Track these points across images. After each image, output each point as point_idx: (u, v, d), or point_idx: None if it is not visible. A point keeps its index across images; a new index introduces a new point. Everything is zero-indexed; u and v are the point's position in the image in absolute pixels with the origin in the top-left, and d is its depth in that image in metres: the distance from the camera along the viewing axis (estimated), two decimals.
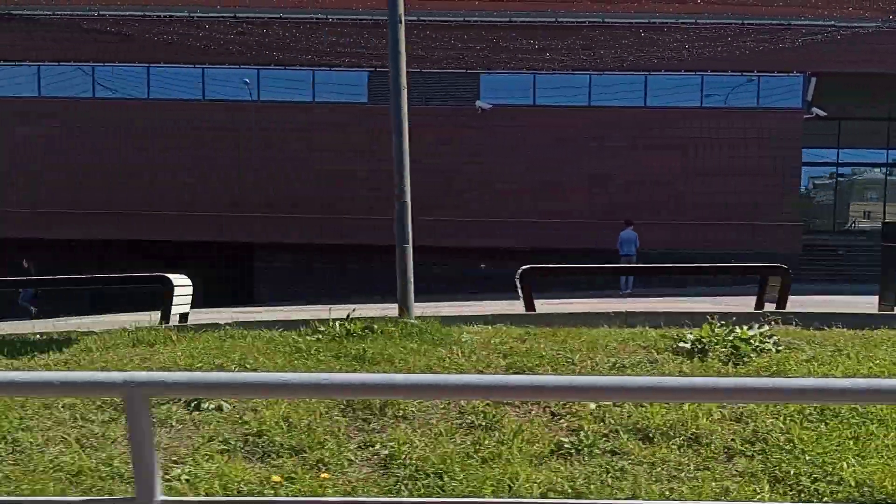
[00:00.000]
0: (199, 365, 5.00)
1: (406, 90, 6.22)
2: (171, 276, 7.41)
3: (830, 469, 3.85)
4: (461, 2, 22.62)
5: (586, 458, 4.07)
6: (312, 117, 22.66)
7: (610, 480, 3.90)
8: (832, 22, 21.53)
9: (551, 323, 6.22)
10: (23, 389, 2.34)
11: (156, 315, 8.13)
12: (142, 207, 22.39)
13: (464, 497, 3.73)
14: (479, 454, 4.11)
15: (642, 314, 6.55)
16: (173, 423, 4.42)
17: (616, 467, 4.00)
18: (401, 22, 6.18)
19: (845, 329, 5.93)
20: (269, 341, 5.54)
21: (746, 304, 9.26)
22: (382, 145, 22.00)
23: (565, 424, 4.44)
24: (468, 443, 4.24)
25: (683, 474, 3.94)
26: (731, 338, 5.24)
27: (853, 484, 3.72)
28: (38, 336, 6.32)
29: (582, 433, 4.26)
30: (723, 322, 5.47)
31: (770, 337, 5.27)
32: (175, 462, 4.09)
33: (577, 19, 22.30)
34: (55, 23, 22.51)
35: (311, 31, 22.35)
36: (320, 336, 5.62)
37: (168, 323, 7.08)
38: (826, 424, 4.26)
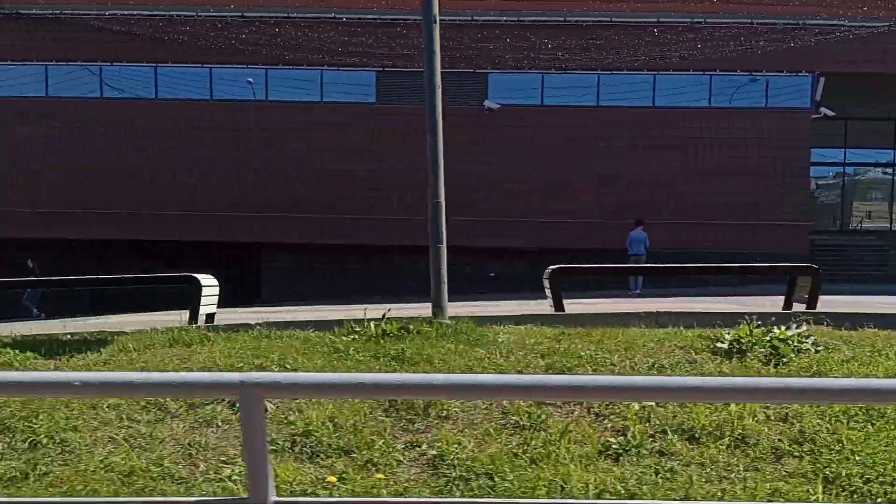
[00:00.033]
0: (240, 365, 5.01)
1: (440, 90, 6.24)
2: (198, 276, 7.41)
3: (882, 470, 3.86)
4: (469, 1, 22.62)
5: (635, 459, 4.08)
6: (312, 117, 22.69)
7: (660, 481, 3.90)
8: (842, 21, 21.55)
9: (582, 323, 6.22)
10: (139, 390, 2.36)
11: (173, 315, 8.16)
12: (142, 207, 22.43)
13: (501, 497, 3.74)
14: (528, 454, 4.11)
15: (672, 314, 6.55)
16: (219, 423, 4.43)
17: (666, 468, 4.00)
18: (435, 22, 6.19)
19: (878, 329, 5.94)
20: (306, 341, 5.54)
21: (763, 304, 9.26)
22: (383, 145, 22.45)
23: (610, 425, 4.45)
24: (515, 443, 4.25)
25: (734, 475, 3.95)
26: (768, 338, 5.24)
27: None
28: (69, 336, 6.31)
29: (629, 434, 4.26)
30: (759, 322, 5.47)
31: (807, 337, 5.28)
32: (224, 462, 4.10)
33: (585, 19, 22.31)
34: (57, 22, 22.53)
35: (320, 30, 22.35)
36: (356, 336, 5.62)
37: (197, 323, 7.08)
38: (872, 425, 4.27)
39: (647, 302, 11.49)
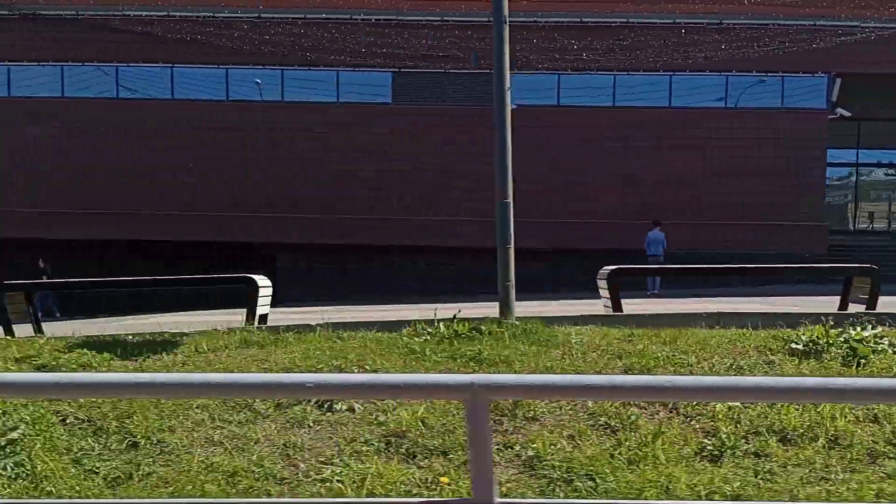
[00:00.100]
0: (321, 366, 5.02)
1: (510, 91, 6.26)
2: (254, 276, 7.42)
3: None
4: (485, 2, 22.62)
5: (733, 460, 4.09)
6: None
7: (761, 483, 3.92)
8: (858, 22, 21.59)
9: (643, 324, 6.24)
10: (361, 391, 2.36)
11: (218, 316, 8.16)
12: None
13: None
14: (623, 456, 4.13)
15: (732, 315, 6.57)
16: (310, 424, 4.44)
17: (764, 469, 4.02)
18: (506, 22, 6.22)
19: None
20: (379, 342, 5.56)
21: (795, 304, 9.29)
22: (395, 145, 22.41)
23: (698, 426, 4.46)
24: (608, 444, 4.26)
25: (833, 476, 3.96)
26: (842, 339, 5.26)
27: None
28: (130, 337, 6.32)
29: (720, 435, 4.28)
30: (833, 323, 5.49)
31: (882, 338, 5.29)
32: (322, 463, 4.11)
33: (601, 20, 22.35)
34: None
35: (336, 31, 22.38)
36: (427, 338, 5.64)
37: (253, 323, 7.09)
38: None
39: (684, 302, 11.51)
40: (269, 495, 3.83)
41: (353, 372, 5.00)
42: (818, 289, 14.61)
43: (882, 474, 3.98)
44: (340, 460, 4.09)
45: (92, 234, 22.13)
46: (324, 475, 3.98)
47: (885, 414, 4.42)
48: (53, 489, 3.74)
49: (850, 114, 22.49)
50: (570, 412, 4.62)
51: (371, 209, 22.57)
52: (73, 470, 3.96)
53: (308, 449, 4.21)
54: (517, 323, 6.01)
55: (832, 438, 4.25)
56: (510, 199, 6.25)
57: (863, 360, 5.03)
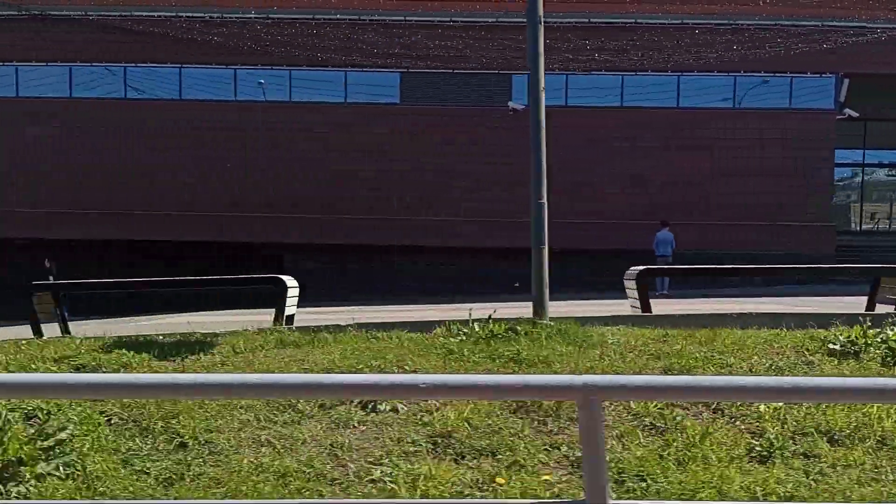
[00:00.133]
0: (360, 367, 5.02)
1: (544, 91, 6.26)
2: (283, 277, 7.42)
3: None
4: (493, 3, 22.67)
5: (781, 461, 4.09)
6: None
7: (813, 483, 3.91)
8: (865, 23, 21.62)
9: (674, 324, 6.24)
10: (466, 392, 2.35)
11: (245, 316, 8.15)
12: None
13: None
14: (672, 456, 4.12)
15: (763, 315, 6.57)
16: (355, 424, 4.43)
17: (814, 470, 4.02)
18: (540, 23, 6.22)
19: None
20: (415, 343, 5.55)
21: (813, 304, 9.27)
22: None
23: (744, 427, 4.46)
24: (656, 445, 4.26)
25: (883, 477, 3.96)
26: (879, 339, 5.26)
27: None
28: (161, 337, 6.31)
29: (768, 436, 4.27)
30: (870, 323, 5.49)
31: None
32: (372, 463, 4.10)
33: (609, 20, 22.37)
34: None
35: (344, 32, 22.39)
36: (463, 338, 5.63)
37: (282, 323, 7.08)
38: None
39: (706, 302, 11.51)
40: (322, 496, 3.82)
41: (394, 372, 5.00)
42: (821, 289, 14.66)
43: None
44: (389, 461, 4.08)
45: (92, 234, 22.15)
46: (374, 476, 3.97)
47: None
48: (107, 490, 3.73)
49: (857, 114, 22.51)
50: (614, 413, 4.62)
51: (371, 209, 22.59)
52: (122, 470, 3.96)
53: (356, 449, 4.20)
54: (551, 323, 6.01)
55: (880, 439, 4.25)
56: (545, 200, 6.24)
57: None
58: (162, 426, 4.33)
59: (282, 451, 4.13)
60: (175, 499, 3.73)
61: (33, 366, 4.94)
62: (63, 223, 22.19)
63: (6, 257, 21.71)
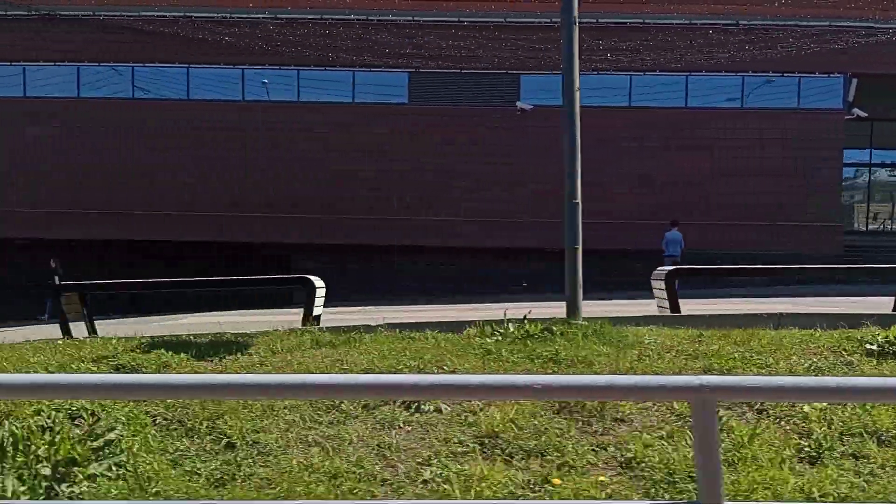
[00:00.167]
0: (400, 367, 5.01)
1: (579, 91, 6.25)
2: (311, 278, 7.42)
3: None
4: (501, 3, 22.68)
5: (831, 461, 4.08)
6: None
7: (865, 485, 3.91)
8: (875, 24, 21.63)
9: (704, 325, 6.23)
10: (577, 392, 2.33)
11: (264, 316, 8.14)
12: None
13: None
14: (721, 457, 4.11)
15: (793, 316, 6.56)
16: (400, 425, 4.42)
17: (865, 471, 4.01)
18: (575, 23, 6.21)
19: None
20: (452, 343, 5.54)
21: (823, 304, 9.24)
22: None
23: (788, 427, 4.45)
24: None
25: None
26: None
27: None
28: (192, 337, 6.30)
29: (818, 436, 4.26)
30: None
31: None
32: (421, 464, 4.09)
33: (617, 20, 22.35)
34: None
35: (353, 31, 22.38)
36: (499, 338, 5.62)
37: (311, 323, 7.08)
38: None
39: (730, 302, 11.50)
40: (374, 497, 3.81)
41: (434, 373, 4.99)
42: (823, 289, 14.64)
43: None
44: (438, 461, 4.07)
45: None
46: (424, 476, 3.96)
47: None
48: (161, 490, 3.72)
49: (866, 114, 22.53)
50: (657, 414, 4.61)
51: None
52: (172, 471, 3.94)
53: (403, 450, 4.19)
54: (585, 323, 6.00)
55: None
56: (579, 200, 6.23)
57: None
58: (207, 426, 4.32)
59: (331, 451, 4.12)
60: (228, 499, 3.72)
61: (74, 366, 4.93)
62: (63, 223, 22.19)
63: (6, 257, 21.70)
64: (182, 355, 5.24)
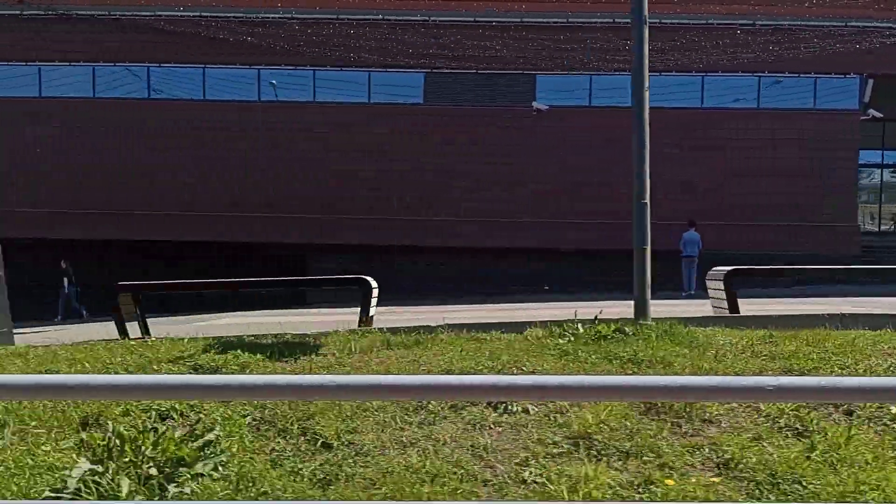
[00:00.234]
0: (480, 368, 4.99)
1: (648, 91, 6.24)
2: (367, 278, 7.41)
3: None
4: (518, 3, 22.67)
5: None
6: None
7: None
8: (892, 23, 21.66)
9: (765, 325, 6.22)
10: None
11: (309, 317, 8.11)
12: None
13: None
14: (819, 458, 4.10)
15: (854, 316, 6.55)
16: (490, 425, 4.41)
17: None
18: (645, 23, 6.20)
19: None
20: (525, 344, 5.53)
21: (872, 304, 9.22)
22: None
23: (879, 428, 4.44)
24: (797, 447, 4.23)
25: None
26: None
27: None
28: (253, 338, 6.28)
29: None
30: None
31: None
32: (518, 464, 4.07)
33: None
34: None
35: (368, 32, 22.38)
36: (570, 339, 5.61)
37: (369, 324, 7.06)
38: None
39: (780, 302, 11.49)
40: (478, 497, 3.80)
41: (514, 373, 4.98)
42: (847, 289, 14.66)
43: None
44: (536, 462, 4.06)
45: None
46: (524, 476, 3.95)
47: None
48: (269, 490, 3.71)
49: (882, 115, 22.55)
50: (745, 414, 4.60)
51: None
52: (273, 471, 3.93)
53: (499, 450, 4.18)
54: (655, 324, 5.99)
55: None
56: (647, 200, 6.22)
57: None
58: (299, 427, 4.31)
59: (430, 452, 4.10)
60: (335, 499, 3.71)
61: (155, 367, 4.91)
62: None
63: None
64: (258, 356, 5.22)
